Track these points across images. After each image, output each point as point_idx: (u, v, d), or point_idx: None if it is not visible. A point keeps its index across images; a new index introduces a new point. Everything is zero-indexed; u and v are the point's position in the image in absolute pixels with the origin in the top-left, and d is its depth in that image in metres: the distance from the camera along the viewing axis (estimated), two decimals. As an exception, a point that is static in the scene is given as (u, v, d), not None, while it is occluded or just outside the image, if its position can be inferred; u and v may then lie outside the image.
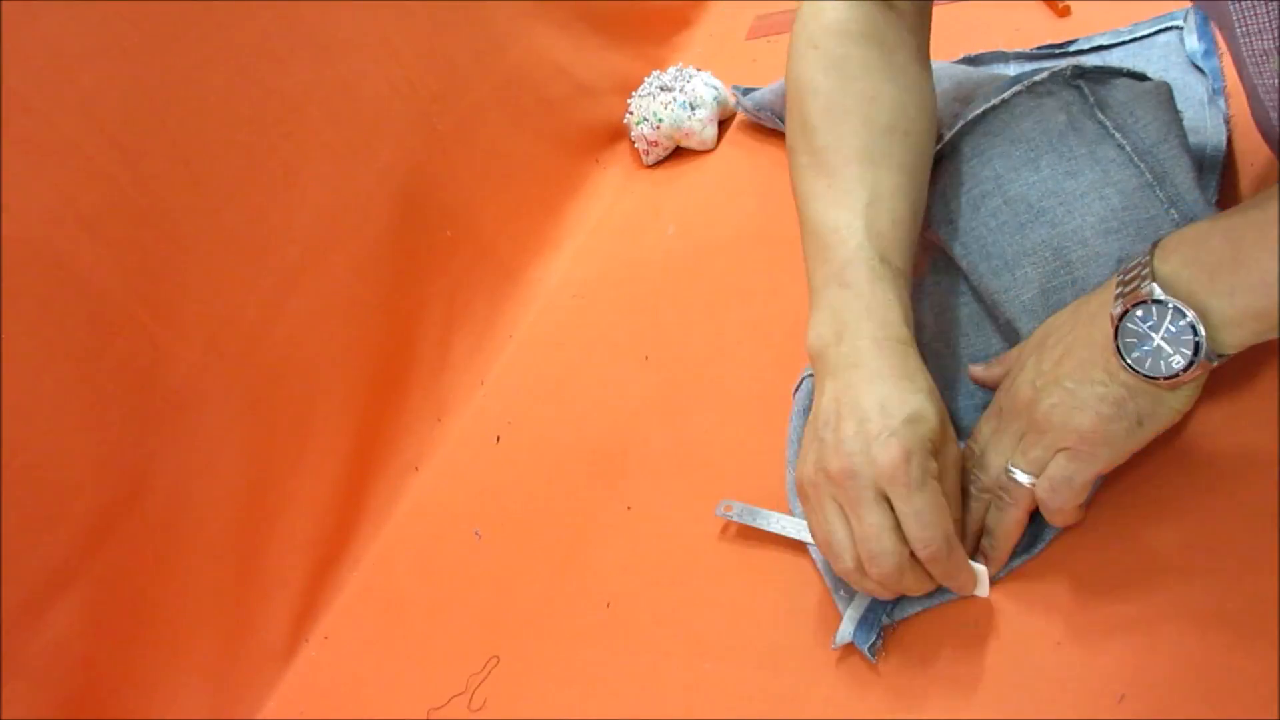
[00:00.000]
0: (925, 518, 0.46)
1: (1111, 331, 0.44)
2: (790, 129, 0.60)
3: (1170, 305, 0.42)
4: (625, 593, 0.62)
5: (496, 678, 0.61)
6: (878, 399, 0.48)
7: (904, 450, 0.46)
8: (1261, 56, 0.46)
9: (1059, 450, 0.47)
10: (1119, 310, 0.44)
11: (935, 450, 0.48)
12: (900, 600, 0.51)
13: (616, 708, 0.56)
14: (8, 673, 0.55)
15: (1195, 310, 0.41)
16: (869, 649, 0.50)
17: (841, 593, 0.53)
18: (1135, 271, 0.44)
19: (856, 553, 0.48)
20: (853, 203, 0.54)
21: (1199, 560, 0.47)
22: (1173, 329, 0.42)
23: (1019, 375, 0.49)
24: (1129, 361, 0.44)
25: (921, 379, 0.50)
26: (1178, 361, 0.42)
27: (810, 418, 0.52)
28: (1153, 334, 0.43)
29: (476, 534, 0.72)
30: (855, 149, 0.56)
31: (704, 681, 0.55)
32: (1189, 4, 0.77)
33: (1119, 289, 0.45)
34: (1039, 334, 0.50)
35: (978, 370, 0.55)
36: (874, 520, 0.47)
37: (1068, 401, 0.46)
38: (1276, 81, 0.46)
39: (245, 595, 0.68)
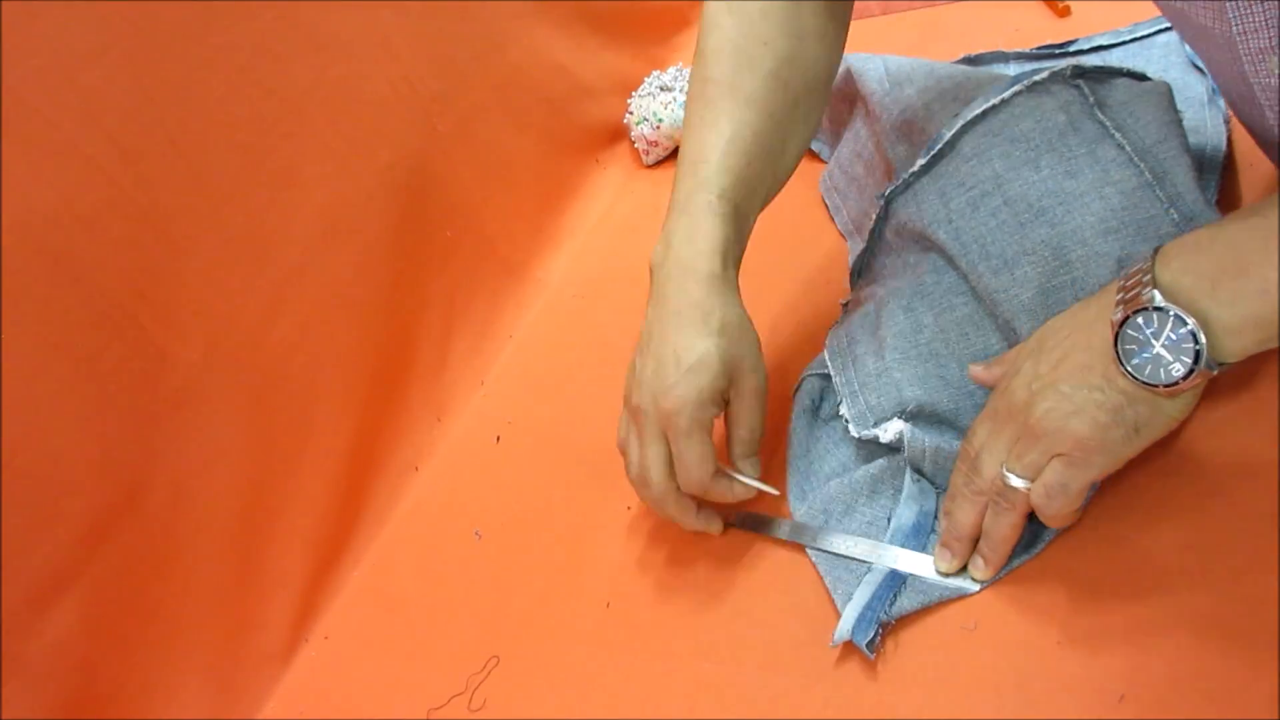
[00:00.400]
0: (685, 461, 0.55)
1: (1111, 337, 0.44)
2: (694, 58, 0.63)
3: (1171, 313, 0.42)
4: (625, 593, 0.62)
5: (496, 678, 0.61)
6: (672, 345, 0.55)
7: (679, 402, 0.54)
8: (1258, 55, 0.46)
9: (1055, 456, 0.47)
10: (1119, 316, 0.44)
11: (717, 394, 0.55)
12: (899, 598, 0.52)
13: (616, 708, 0.56)
14: (8, 673, 0.55)
15: (1196, 318, 0.41)
16: (867, 645, 0.50)
17: (840, 591, 0.53)
18: (1136, 278, 0.44)
19: (637, 472, 0.58)
20: (715, 136, 0.58)
21: (1198, 562, 0.47)
22: (1173, 337, 0.42)
23: (1015, 378, 0.49)
24: (1128, 368, 0.44)
25: (717, 316, 0.55)
26: (1178, 369, 0.42)
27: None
28: (1153, 341, 0.42)
29: (476, 534, 0.72)
30: (733, 86, 0.59)
31: (704, 681, 0.55)
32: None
33: (1120, 294, 0.44)
34: (1037, 337, 0.50)
35: (978, 370, 0.55)
36: (650, 453, 0.56)
37: (1064, 406, 0.46)
38: (1274, 81, 0.46)
39: (245, 595, 0.68)
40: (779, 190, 0.63)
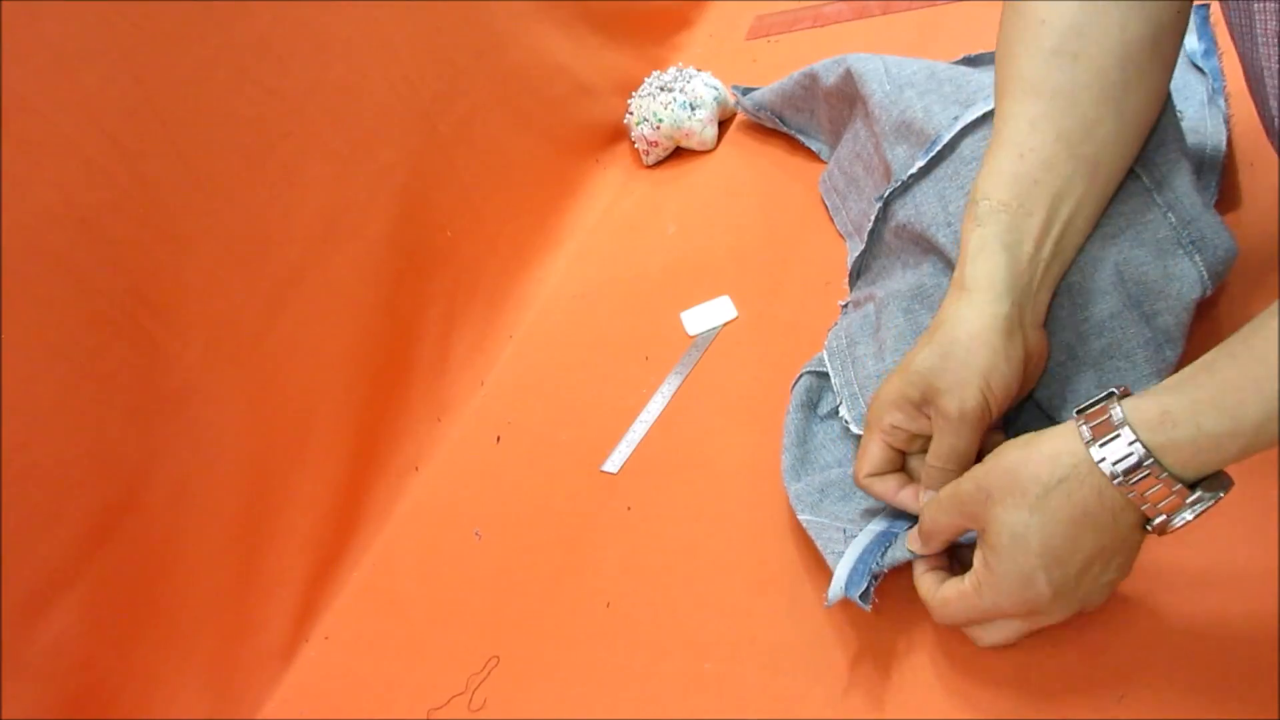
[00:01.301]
0: (859, 453, 0.54)
1: (1142, 524, 0.43)
2: None
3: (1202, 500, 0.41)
4: (625, 593, 0.62)
5: (496, 678, 0.61)
6: (910, 350, 0.53)
7: (873, 397, 0.54)
8: (1274, 39, 0.45)
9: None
10: (1160, 520, 0.42)
11: (903, 401, 0.51)
12: (890, 550, 0.51)
13: (616, 708, 0.56)
14: (8, 673, 0.55)
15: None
16: (860, 597, 0.49)
17: (831, 551, 0.53)
18: (1150, 472, 0.41)
19: None
20: (991, 145, 0.54)
21: (1198, 561, 0.47)
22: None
23: (1018, 564, 0.44)
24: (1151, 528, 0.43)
25: (947, 328, 0.51)
26: (1188, 515, 0.42)
27: None
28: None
29: (476, 534, 0.72)
30: (1012, 78, 0.54)
31: (704, 681, 0.55)
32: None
33: (1134, 491, 0.42)
34: (1004, 486, 0.45)
35: (914, 543, 0.51)
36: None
37: (1073, 607, 0.45)
38: (1277, 66, 0.46)
39: (245, 595, 0.68)
40: (1105, 173, 0.54)
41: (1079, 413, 0.43)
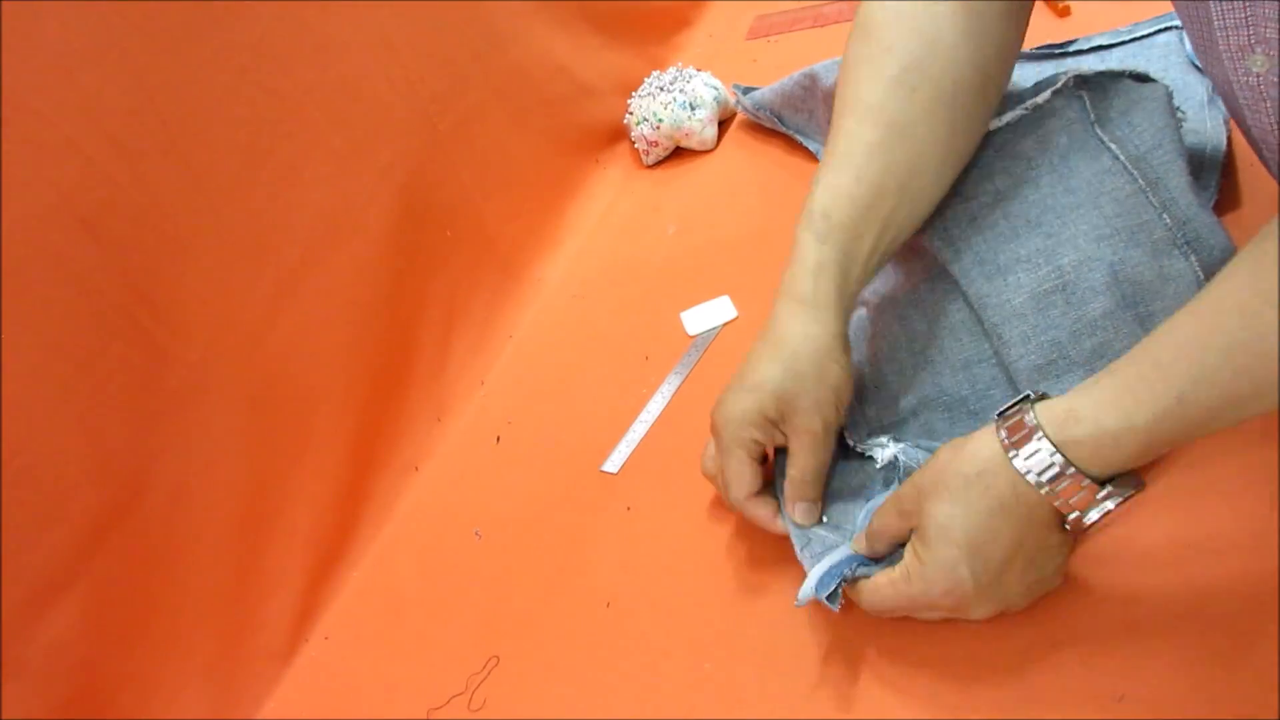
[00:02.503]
0: (725, 476, 0.56)
1: (1059, 521, 0.46)
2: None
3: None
4: (625, 593, 0.62)
5: (496, 678, 0.61)
6: (747, 365, 0.56)
7: (722, 418, 0.55)
8: (1238, 53, 0.46)
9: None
10: (1074, 516, 0.45)
11: (761, 419, 0.54)
12: (865, 560, 0.52)
13: (616, 708, 0.56)
14: (8, 673, 0.55)
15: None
16: (829, 598, 0.50)
17: (807, 552, 0.54)
18: (1059, 470, 0.44)
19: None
20: (830, 158, 0.57)
21: (1198, 560, 0.47)
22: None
23: (943, 553, 0.47)
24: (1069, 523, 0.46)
25: (792, 345, 0.54)
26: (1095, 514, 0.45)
27: None
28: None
29: (476, 534, 0.72)
30: (854, 99, 0.57)
31: (704, 681, 0.55)
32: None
33: (1060, 499, 0.45)
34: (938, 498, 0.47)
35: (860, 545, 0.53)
36: (717, 464, 0.57)
37: (995, 603, 0.48)
38: (1252, 80, 0.46)
39: (245, 595, 0.68)
40: (922, 207, 0.58)
41: (999, 415, 0.46)
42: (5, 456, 0.55)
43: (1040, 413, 0.44)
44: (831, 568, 0.51)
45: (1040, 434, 0.44)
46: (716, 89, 1.03)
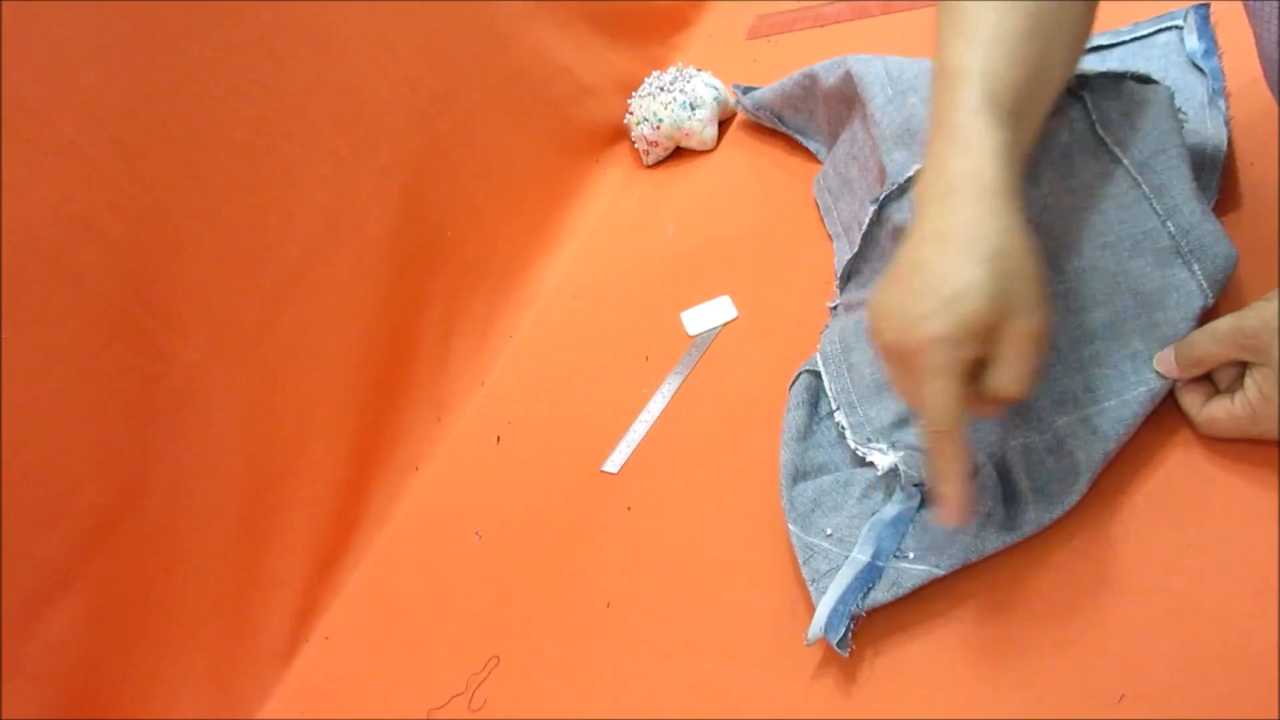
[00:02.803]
0: (931, 405, 0.47)
1: None
2: None
3: None
4: (625, 593, 0.62)
5: (496, 678, 0.61)
6: (931, 271, 0.47)
7: (930, 338, 0.46)
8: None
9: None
10: None
11: (980, 331, 0.46)
12: (872, 591, 0.52)
13: (616, 708, 0.56)
14: (8, 673, 0.55)
15: None
16: (839, 644, 0.50)
17: (816, 586, 0.54)
18: None
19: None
20: (972, 44, 0.51)
21: (1198, 560, 0.47)
22: None
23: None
24: None
25: (990, 240, 0.46)
26: None
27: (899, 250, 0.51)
28: None
29: (477, 534, 0.72)
30: None
31: (704, 681, 0.55)
32: (1189, 4, 0.77)
33: None
34: None
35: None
36: (923, 392, 0.47)
37: None
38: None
39: (245, 595, 0.68)
40: (1054, 100, 0.55)
41: None
42: (6, 456, 0.55)
43: None
44: (838, 603, 0.51)
45: None
46: (716, 89, 1.03)
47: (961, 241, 0.46)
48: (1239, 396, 0.49)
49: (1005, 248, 0.46)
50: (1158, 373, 0.52)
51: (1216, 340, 0.50)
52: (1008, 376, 0.47)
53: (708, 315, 0.81)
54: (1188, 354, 0.51)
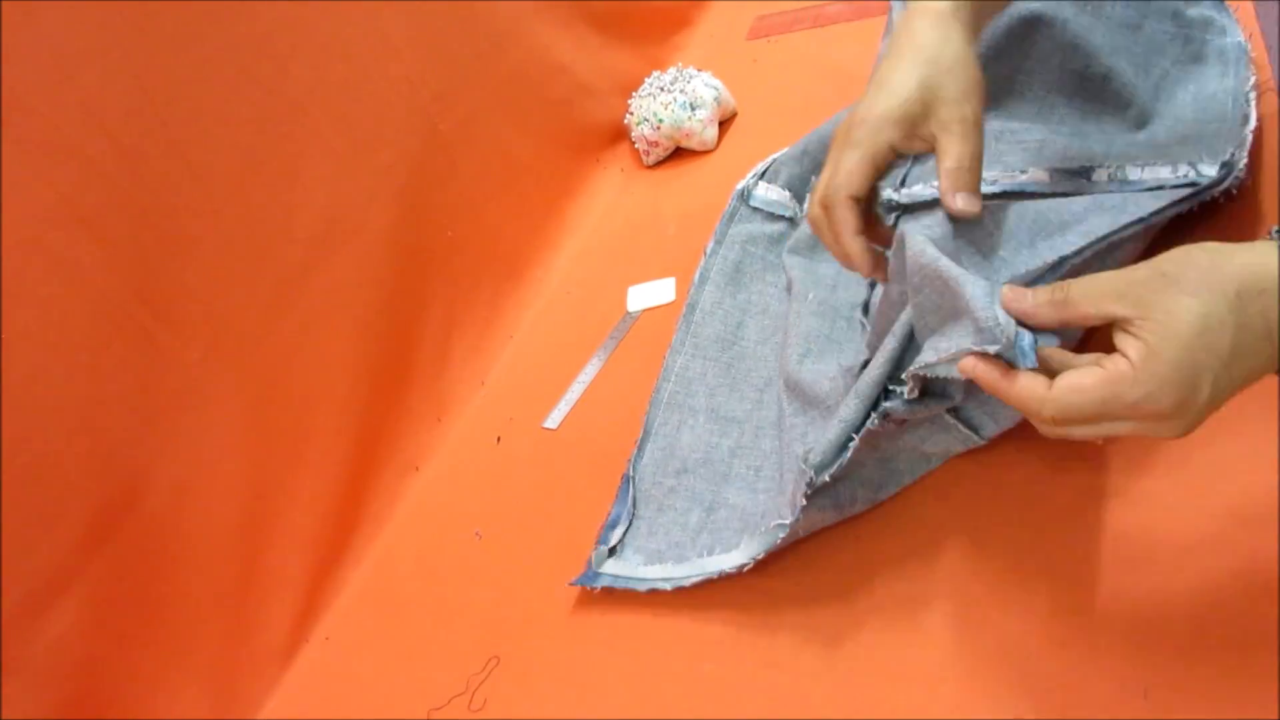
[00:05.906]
0: (836, 168, 0.53)
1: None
2: None
3: None
4: (625, 592, 0.62)
5: (496, 678, 0.61)
6: (882, 78, 0.53)
7: (858, 117, 0.53)
8: None
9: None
10: None
11: (905, 119, 0.51)
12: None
13: (616, 708, 0.56)
14: (8, 673, 0.55)
15: None
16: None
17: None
18: None
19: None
20: None
21: (1198, 560, 0.47)
22: None
23: (1184, 357, 0.40)
24: None
25: (930, 51, 0.52)
26: None
27: None
28: None
29: (477, 534, 0.72)
30: None
31: (704, 681, 0.55)
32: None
33: None
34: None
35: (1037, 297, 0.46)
36: (814, 206, 0.55)
37: (1194, 427, 0.41)
38: None
39: (245, 595, 0.68)
40: None
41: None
42: (6, 456, 0.55)
43: None
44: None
45: None
46: (716, 89, 1.03)
47: (908, 52, 0.53)
48: (1113, 359, 0.42)
49: (943, 56, 0.52)
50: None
51: (1100, 287, 0.43)
52: (949, 158, 0.51)
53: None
54: (1059, 298, 0.44)
